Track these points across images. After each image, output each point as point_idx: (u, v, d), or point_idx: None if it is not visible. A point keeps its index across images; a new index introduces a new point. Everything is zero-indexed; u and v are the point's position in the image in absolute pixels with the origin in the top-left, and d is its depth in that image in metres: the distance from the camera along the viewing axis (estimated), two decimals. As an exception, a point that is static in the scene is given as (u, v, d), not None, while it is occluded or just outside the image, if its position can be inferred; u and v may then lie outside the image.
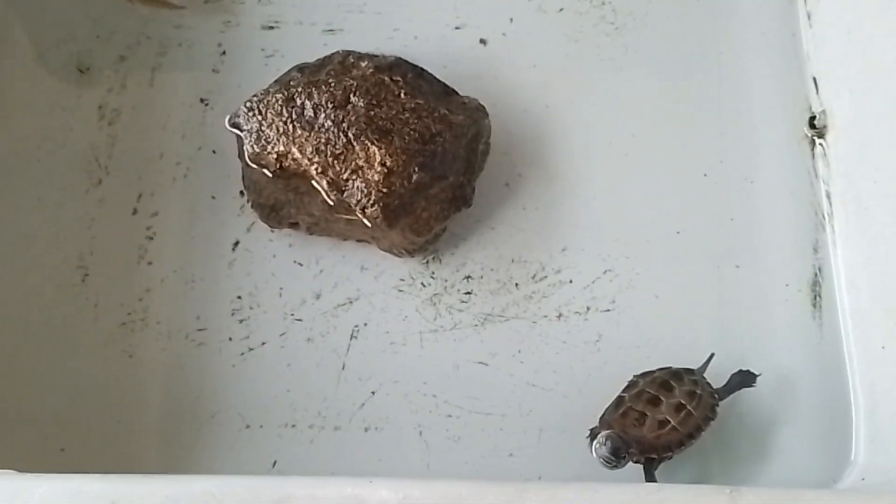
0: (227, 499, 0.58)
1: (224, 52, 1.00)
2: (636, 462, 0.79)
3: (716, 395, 0.82)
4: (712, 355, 0.85)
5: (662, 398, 0.80)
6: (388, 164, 0.84)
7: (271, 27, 1.01)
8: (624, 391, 0.83)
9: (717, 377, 0.84)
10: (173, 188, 0.94)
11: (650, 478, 0.80)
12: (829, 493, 0.69)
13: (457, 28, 1.01)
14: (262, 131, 0.86)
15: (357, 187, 0.84)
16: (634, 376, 0.84)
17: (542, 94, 0.98)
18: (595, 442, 0.78)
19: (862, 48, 0.87)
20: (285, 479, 0.58)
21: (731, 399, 0.84)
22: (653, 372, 0.83)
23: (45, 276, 0.90)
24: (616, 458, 0.77)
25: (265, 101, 0.87)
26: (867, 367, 0.84)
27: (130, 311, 0.89)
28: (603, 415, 0.82)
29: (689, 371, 0.83)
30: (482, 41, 1.00)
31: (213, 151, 0.95)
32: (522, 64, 0.99)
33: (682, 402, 0.80)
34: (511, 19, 1.01)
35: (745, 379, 0.84)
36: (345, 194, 0.85)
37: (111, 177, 0.94)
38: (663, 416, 0.79)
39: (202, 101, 0.97)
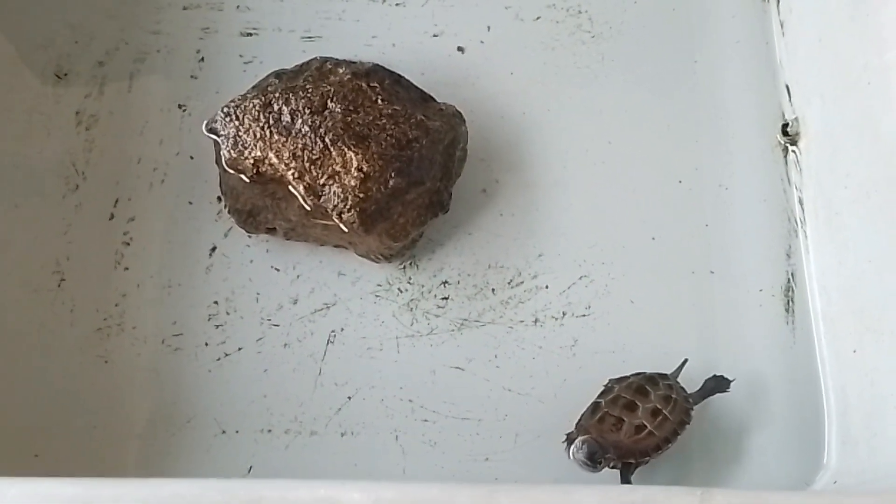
0: (199, 501, 0.58)
1: (202, 59, 1.00)
2: (613, 467, 0.79)
3: (690, 400, 0.83)
4: (686, 360, 0.85)
5: (639, 403, 0.81)
6: (364, 169, 0.84)
7: (250, 34, 1.01)
8: (600, 396, 0.83)
9: (690, 382, 0.85)
10: (150, 194, 0.94)
11: (626, 482, 0.80)
12: (798, 494, 0.70)
13: (434, 36, 1.02)
14: (240, 136, 0.86)
15: (334, 192, 0.84)
16: (610, 381, 0.84)
17: (520, 102, 0.99)
18: (572, 446, 0.78)
19: (832, 56, 0.88)
20: (257, 482, 0.59)
21: (703, 403, 0.85)
22: (627, 377, 0.84)
23: (21, 281, 0.90)
24: (592, 462, 0.77)
25: (242, 107, 0.87)
26: (839, 371, 0.85)
27: (106, 317, 0.89)
28: (579, 420, 0.83)
29: (664, 376, 0.84)
30: (460, 49, 1.01)
31: (191, 157, 0.95)
32: (500, 71, 1.00)
33: (658, 406, 0.80)
34: (488, 27, 1.02)
35: (718, 384, 0.85)
36: (321, 199, 0.85)
37: (88, 182, 0.94)
38: (640, 421, 0.80)
39: (180, 106, 0.97)
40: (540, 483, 0.59)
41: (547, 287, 0.91)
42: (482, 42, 1.02)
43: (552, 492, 0.58)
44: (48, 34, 1.00)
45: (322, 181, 0.85)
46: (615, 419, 0.80)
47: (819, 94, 0.90)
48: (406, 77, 0.92)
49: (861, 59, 0.82)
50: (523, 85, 1.00)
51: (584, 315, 0.90)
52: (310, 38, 1.01)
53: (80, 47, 1.00)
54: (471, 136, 0.93)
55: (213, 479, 0.58)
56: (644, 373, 0.84)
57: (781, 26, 0.99)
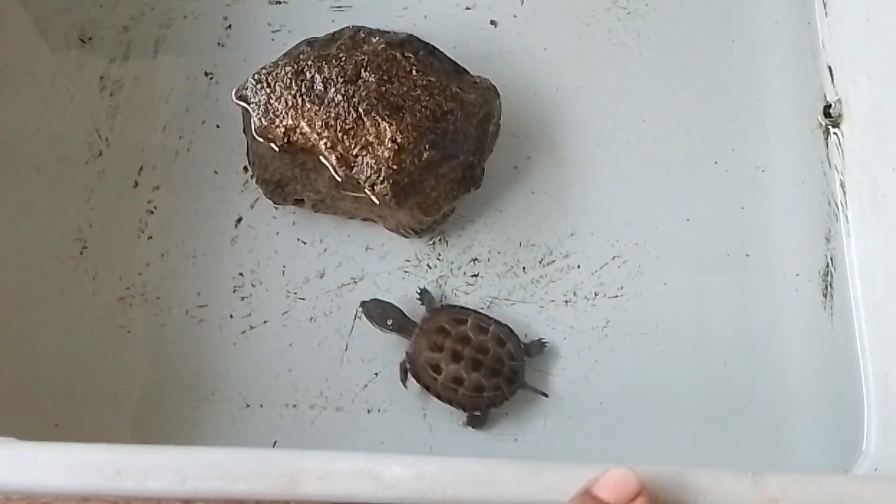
0: (237, 470, 0.56)
1: (230, 26, 0.98)
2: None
3: (496, 398, 0.83)
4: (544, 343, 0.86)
5: (461, 361, 0.81)
6: (398, 140, 0.82)
7: (278, 2, 0.99)
8: (461, 316, 0.84)
9: (724, 367, 0.84)
10: (175, 162, 0.92)
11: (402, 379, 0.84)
12: (851, 478, 0.68)
13: (467, 8, 0.99)
14: (271, 104, 0.84)
15: (367, 163, 0.82)
16: (493, 326, 0.84)
17: (553, 77, 0.97)
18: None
19: (881, 36, 0.86)
20: (296, 453, 0.57)
21: (737, 390, 0.84)
22: (503, 342, 0.83)
23: (43, 248, 0.88)
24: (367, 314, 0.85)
25: (274, 74, 0.85)
26: (881, 356, 0.83)
27: (129, 286, 0.87)
28: (434, 311, 0.85)
29: (515, 373, 0.83)
30: (493, 22, 0.99)
31: (217, 126, 0.93)
32: (533, 46, 0.98)
33: (464, 377, 0.81)
34: (522, 1, 1.00)
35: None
36: (353, 170, 0.83)
37: (112, 149, 0.92)
38: (439, 363, 0.82)
39: (207, 74, 0.95)
40: (586, 461, 0.57)
41: (579, 267, 0.90)
42: (515, 16, 0.99)
43: (598, 470, 0.56)
44: (72, -3, 0.98)
45: (355, 151, 0.83)
46: (438, 346, 0.82)
47: (866, 75, 0.88)
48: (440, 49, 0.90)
49: (914, 40, 0.80)
50: (557, 61, 0.97)
51: (616, 296, 0.89)
52: (339, 7, 0.99)
53: (104, 11, 0.98)
54: (503, 111, 0.91)
55: (252, 448, 0.56)
56: (511, 362, 0.83)
57: (825, 6, 0.96)
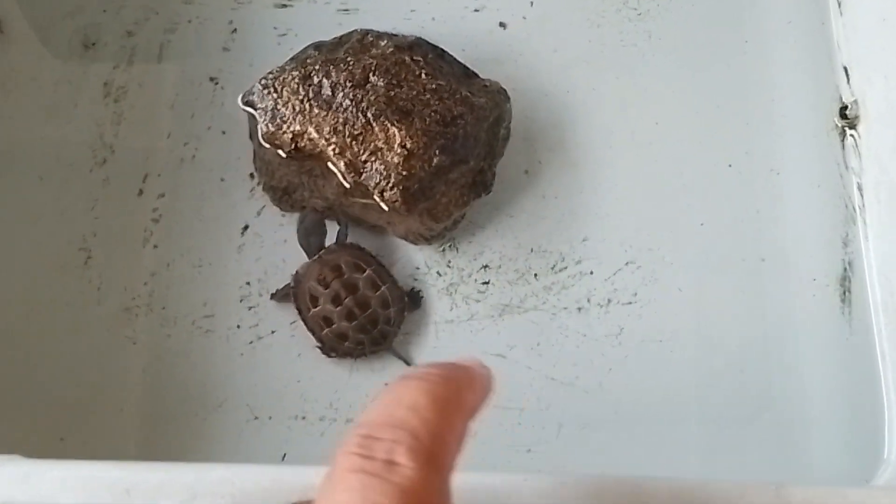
0: (248, 487, 0.55)
1: (235, 30, 0.96)
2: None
3: (373, 344, 0.84)
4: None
5: (339, 307, 0.82)
6: (408, 146, 0.81)
7: (284, 5, 0.98)
8: (356, 264, 0.84)
9: (740, 374, 0.83)
10: (181, 169, 0.90)
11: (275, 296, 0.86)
12: (878, 490, 0.67)
13: (476, 10, 0.98)
14: (278, 110, 0.83)
15: (376, 169, 0.81)
16: (386, 287, 0.84)
17: (563, 80, 0.95)
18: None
19: (899, 36, 0.85)
20: (309, 469, 0.55)
21: (754, 397, 0.83)
22: (389, 283, 0.84)
23: (47, 258, 0.87)
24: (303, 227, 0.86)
25: (281, 79, 0.84)
26: (902, 363, 0.82)
27: (135, 296, 0.86)
28: (342, 244, 0.85)
29: (383, 336, 0.83)
30: (502, 24, 0.98)
31: (223, 132, 0.92)
32: (543, 48, 0.96)
33: (359, 312, 0.82)
34: (531, 3, 0.98)
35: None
36: (363, 177, 0.81)
37: (116, 156, 0.91)
38: (322, 305, 0.83)
39: (212, 79, 0.94)
40: (610, 475, 0.55)
41: (591, 273, 0.88)
42: (525, 18, 0.98)
43: (624, 484, 0.55)
44: (76, 1, 0.96)
45: (364, 157, 0.81)
46: (325, 283, 0.83)
47: (883, 76, 0.87)
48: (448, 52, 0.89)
49: (933, 39, 0.79)
50: (567, 63, 0.96)
51: (630, 302, 0.87)
52: (346, 10, 0.97)
53: (108, 16, 0.96)
54: (513, 115, 0.90)
55: (263, 464, 0.55)
56: (384, 326, 0.83)
57: (839, 6, 0.95)
